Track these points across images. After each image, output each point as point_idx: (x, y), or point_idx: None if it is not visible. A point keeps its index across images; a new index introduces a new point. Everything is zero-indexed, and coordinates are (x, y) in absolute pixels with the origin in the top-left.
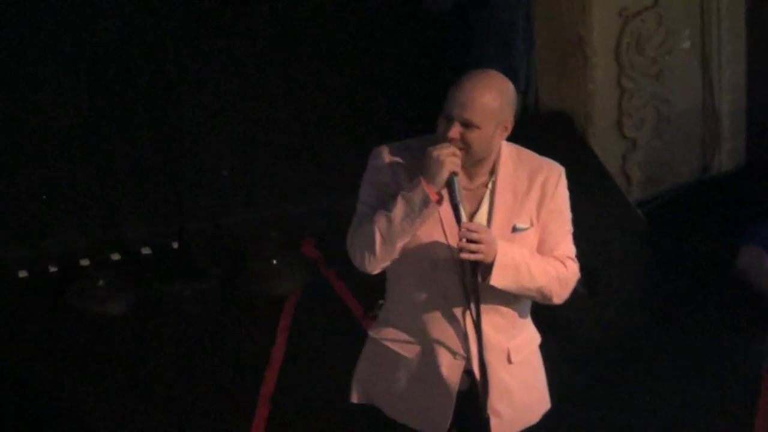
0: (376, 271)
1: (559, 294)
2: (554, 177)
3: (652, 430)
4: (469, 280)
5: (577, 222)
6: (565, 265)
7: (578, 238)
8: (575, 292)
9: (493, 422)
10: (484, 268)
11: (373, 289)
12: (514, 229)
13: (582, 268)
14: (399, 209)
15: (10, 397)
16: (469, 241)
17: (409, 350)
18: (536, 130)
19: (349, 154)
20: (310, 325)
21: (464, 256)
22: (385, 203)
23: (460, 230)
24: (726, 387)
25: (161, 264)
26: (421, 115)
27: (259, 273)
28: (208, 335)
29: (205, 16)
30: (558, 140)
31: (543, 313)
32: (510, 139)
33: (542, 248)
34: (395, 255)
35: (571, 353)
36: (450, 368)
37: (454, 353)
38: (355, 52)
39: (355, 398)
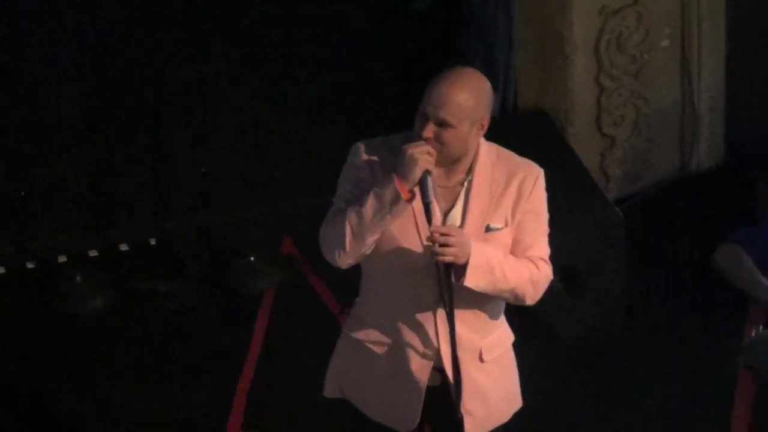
0: (346, 266)
1: (532, 295)
2: (531, 178)
3: (631, 426)
4: (442, 279)
5: (554, 219)
6: (538, 267)
7: (556, 236)
8: (552, 289)
9: (466, 421)
10: (458, 269)
11: (351, 286)
12: (488, 229)
13: (560, 265)
14: (370, 205)
15: None
16: (439, 244)
17: (380, 347)
18: (515, 127)
19: (332, 152)
20: (287, 322)
21: (437, 257)
22: (361, 198)
23: (429, 231)
24: (704, 383)
25: (140, 261)
26: (403, 113)
27: (237, 270)
28: (186, 332)
29: (196, 17)
30: (537, 137)
31: (520, 312)
32: (488, 136)
33: (516, 249)
34: (366, 250)
35: (548, 351)
36: (419, 365)
37: (424, 351)
38: (340, 51)
39: (328, 393)
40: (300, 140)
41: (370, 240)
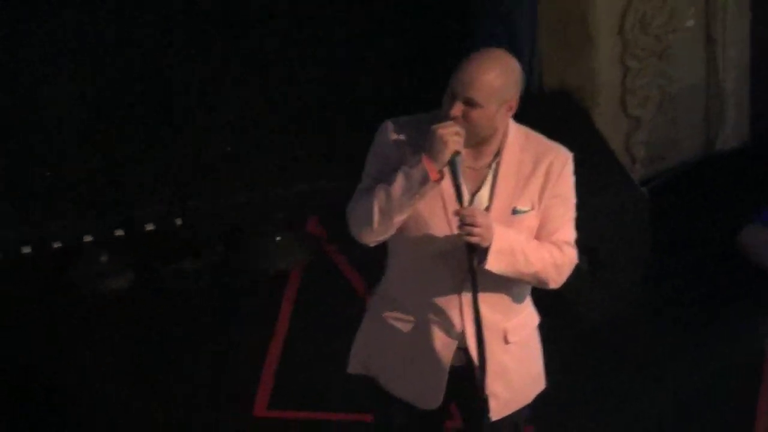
0: (373, 243)
1: (555, 279)
2: (560, 161)
3: (656, 408)
4: (467, 261)
5: (580, 201)
6: (562, 251)
7: (581, 217)
8: (577, 270)
9: (491, 402)
10: (481, 252)
11: (377, 266)
12: (515, 212)
13: (585, 246)
14: (398, 184)
15: (12, 375)
16: (466, 224)
17: (405, 325)
18: (540, 108)
19: (357, 132)
20: (313, 302)
21: (465, 237)
22: (389, 177)
23: (458, 211)
24: (729, 365)
25: (164, 241)
26: (425, 94)
27: (262, 250)
28: (211, 311)
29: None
30: (561, 119)
31: (546, 293)
32: (514, 117)
33: (542, 232)
34: (393, 229)
35: (572, 332)
36: (443, 345)
37: (448, 330)
38: (361, 30)
39: (353, 369)
40: (322, 118)
41: (398, 219)
